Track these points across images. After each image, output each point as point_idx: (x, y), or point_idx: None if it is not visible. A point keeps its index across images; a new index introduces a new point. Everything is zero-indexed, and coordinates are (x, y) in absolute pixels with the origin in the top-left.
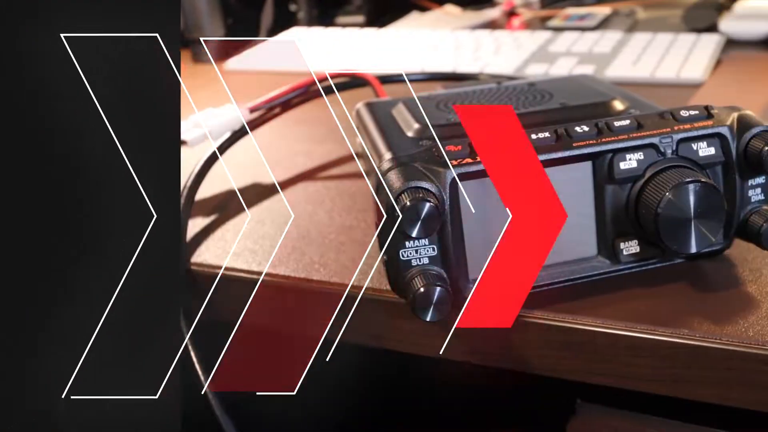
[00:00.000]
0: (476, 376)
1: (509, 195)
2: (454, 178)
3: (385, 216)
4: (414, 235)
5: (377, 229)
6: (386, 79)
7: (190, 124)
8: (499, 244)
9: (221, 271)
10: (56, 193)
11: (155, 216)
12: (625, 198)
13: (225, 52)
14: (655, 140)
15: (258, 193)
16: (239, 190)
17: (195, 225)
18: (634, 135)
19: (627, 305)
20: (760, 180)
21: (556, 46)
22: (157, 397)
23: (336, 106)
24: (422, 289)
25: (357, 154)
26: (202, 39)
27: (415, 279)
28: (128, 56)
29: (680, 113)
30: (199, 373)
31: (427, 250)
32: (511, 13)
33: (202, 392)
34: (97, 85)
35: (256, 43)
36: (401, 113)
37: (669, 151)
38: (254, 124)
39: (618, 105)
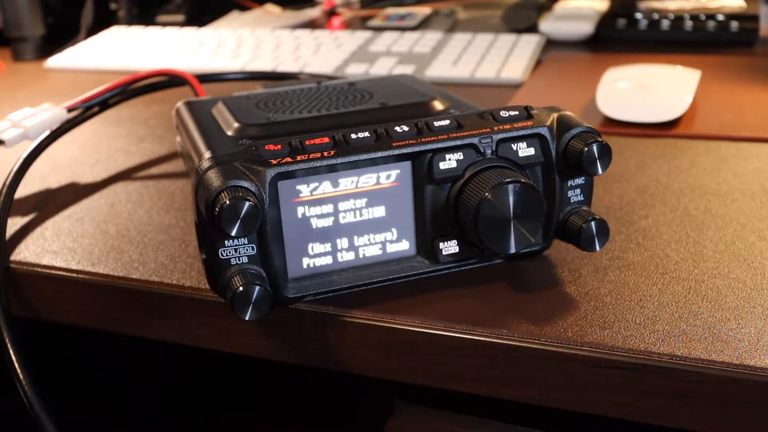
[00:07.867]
0: (294, 375)
1: None
2: (273, 177)
3: (204, 215)
4: (233, 234)
5: (197, 227)
6: (205, 78)
7: (8, 124)
8: None
9: (40, 270)
10: None
11: None
12: (444, 198)
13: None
14: (474, 140)
15: (77, 191)
16: (58, 189)
17: (14, 223)
18: (454, 135)
19: (446, 305)
20: (580, 181)
21: (376, 45)
22: None
23: (155, 105)
24: (241, 288)
25: (177, 154)
26: None
27: (234, 278)
28: None
29: (500, 113)
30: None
31: (247, 249)
32: (331, 13)
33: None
34: None
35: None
36: (221, 112)
37: (489, 152)
38: (72, 123)
39: (438, 105)
